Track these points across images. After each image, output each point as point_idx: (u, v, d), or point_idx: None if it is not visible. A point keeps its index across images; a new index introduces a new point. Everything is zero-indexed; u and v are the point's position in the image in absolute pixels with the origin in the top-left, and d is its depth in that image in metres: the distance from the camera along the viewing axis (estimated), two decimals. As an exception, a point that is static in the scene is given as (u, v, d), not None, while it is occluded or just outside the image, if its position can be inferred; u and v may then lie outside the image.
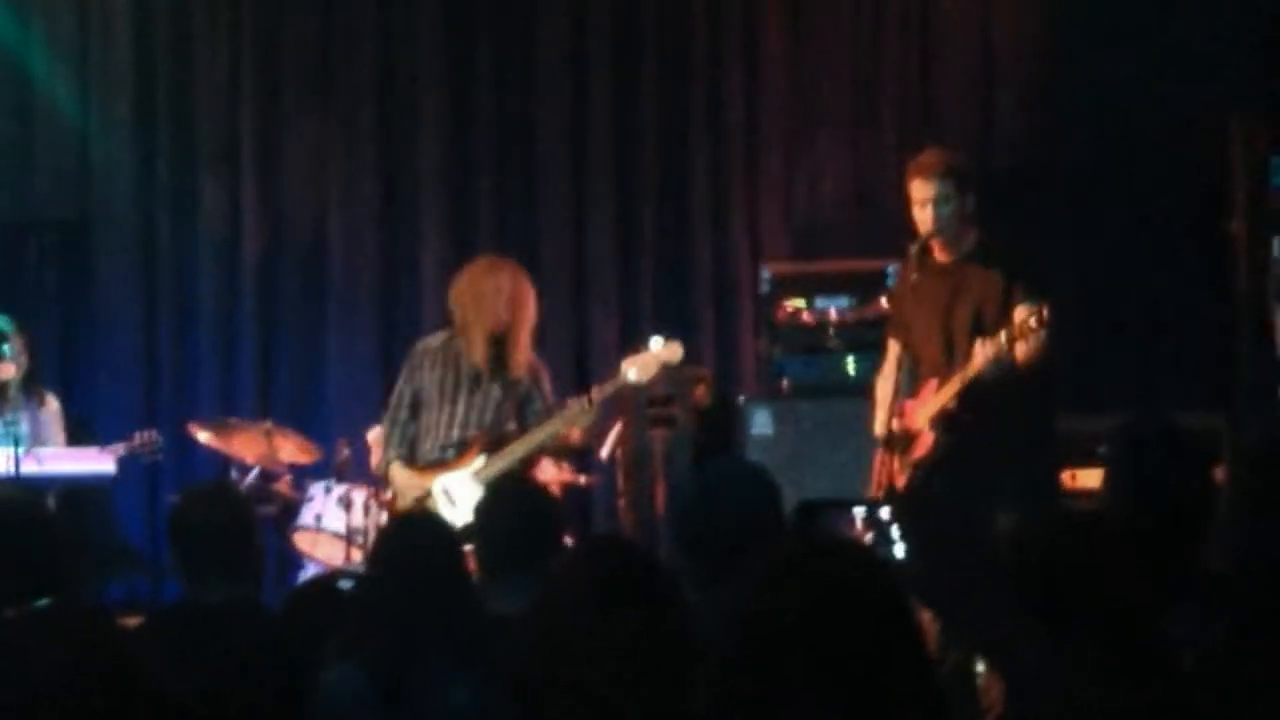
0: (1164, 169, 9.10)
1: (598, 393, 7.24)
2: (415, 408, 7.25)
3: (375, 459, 7.69)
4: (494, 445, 7.13)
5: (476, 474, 7.10)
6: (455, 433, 7.16)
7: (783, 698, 2.57)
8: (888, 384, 6.72)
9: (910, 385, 6.67)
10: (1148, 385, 8.94)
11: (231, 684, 4.37)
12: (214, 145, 10.11)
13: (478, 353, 7.14)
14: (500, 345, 7.13)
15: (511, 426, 7.16)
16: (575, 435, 7.41)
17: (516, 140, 9.96)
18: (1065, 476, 7.71)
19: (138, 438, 8.56)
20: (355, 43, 10.05)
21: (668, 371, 7.54)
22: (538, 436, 7.13)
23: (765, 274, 8.74)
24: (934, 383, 6.51)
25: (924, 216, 6.55)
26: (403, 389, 7.31)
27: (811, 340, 8.40)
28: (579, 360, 9.61)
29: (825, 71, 9.68)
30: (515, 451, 7.10)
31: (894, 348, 6.87)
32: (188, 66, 10.14)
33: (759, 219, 9.67)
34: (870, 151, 9.56)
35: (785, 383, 8.43)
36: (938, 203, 6.51)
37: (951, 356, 6.49)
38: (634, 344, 8.12)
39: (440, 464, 7.17)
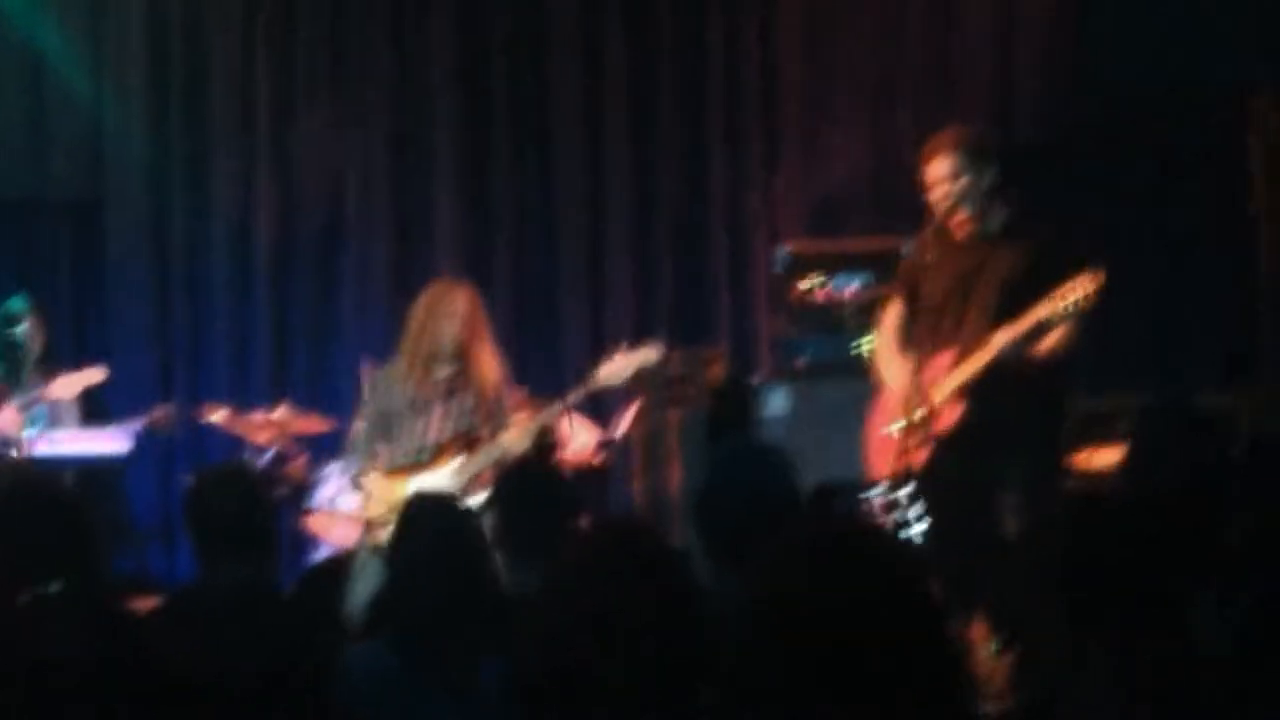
0: (1184, 144, 9.05)
1: (575, 393, 7.27)
2: (383, 426, 7.27)
3: None
4: (469, 447, 7.14)
5: (455, 473, 7.09)
6: (431, 437, 7.17)
7: (799, 682, 2.53)
8: (895, 357, 6.62)
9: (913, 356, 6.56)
10: (1166, 364, 8.88)
11: (247, 665, 4.36)
12: (227, 124, 10.09)
13: (437, 374, 7.17)
14: (461, 362, 7.17)
15: (485, 431, 7.17)
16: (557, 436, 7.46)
17: (531, 116, 9.94)
18: (1082, 456, 7.67)
19: (154, 411, 8.56)
20: (369, 18, 10.03)
21: (683, 352, 7.51)
22: (505, 443, 7.12)
23: (782, 252, 8.68)
24: (950, 354, 6.39)
25: (938, 196, 6.45)
26: (368, 410, 7.32)
27: (828, 319, 8.33)
28: (595, 335, 9.60)
29: (843, 48, 9.64)
30: (491, 453, 7.09)
31: (895, 314, 6.77)
32: (201, 45, 10.12)
33: (775, 197, 9.63)
34: (887, 129, 9.51)
35: (801, 362, 8.37)
36: (951, 178, 6.40)
37: (962, 329, 6.38)
38: (646, 323, 8.12)
39: (415, 466, 7.16)
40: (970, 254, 6.41)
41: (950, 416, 6.28)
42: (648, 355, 7.28)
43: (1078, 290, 6.06)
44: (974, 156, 6.42)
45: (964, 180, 6.39)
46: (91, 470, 8.47)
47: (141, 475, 9.38)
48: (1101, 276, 6.04)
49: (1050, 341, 6.18)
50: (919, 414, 6.30)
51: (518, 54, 9.95)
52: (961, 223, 6.44)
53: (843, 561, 2.61)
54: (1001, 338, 6.18)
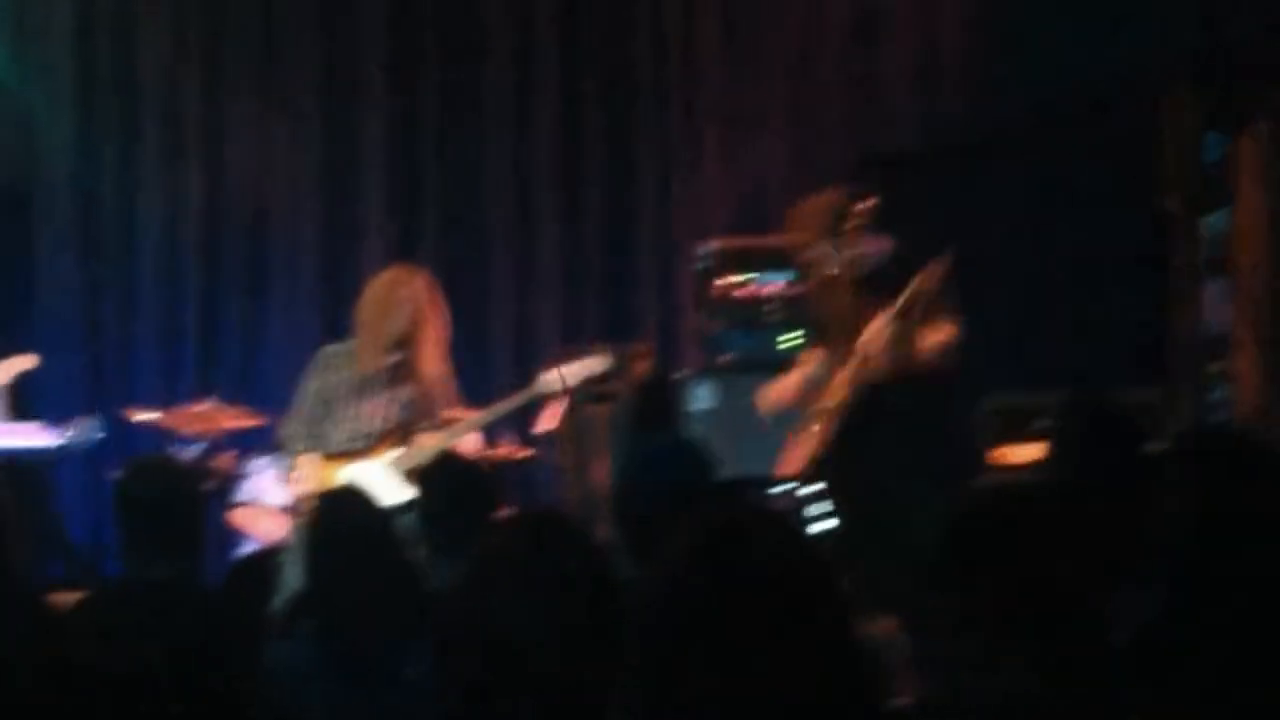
0: (1097, 143, 9.14)
1: (516, 398, 7.34)
2: (325, 405, 7.21)
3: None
4: (406, 440, 7.11)
5: (391, 464, 7.07)
6: (369, 425, 7.14)
7: (700, 671, 2.52)
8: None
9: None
10: (1079, 360, 8.98)
11: (172, 659, 4.38)
12: (156, 119, 10.08)
13: (382, 360, 7.12)
14: (406, 352, 7.13)
15: (424, 424, 7.15)
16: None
17: (460, 116, 9.99)
18: (998, 453, 7.78)
19: (76, 422, 8.55)
20: (299, 18, 10.04)
21: (611, 347, 7.57)
22: (446, 439, 7.13)
23: (706, 249, 8.77)
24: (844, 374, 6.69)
25: (803, 263, 6.92)
26: (311, 387, 7.23)
27: (751, 315, 8.43)
28: (521, 331, 9.67)
29: (767, 44, 9.72)
30: (428, 446, 7.06)
31: (813, 363, 7.02)
32: (130, 38, 10.09)
33: (700, 195, 9.71)
34: (810, 127, 9.60)
35: (725, 357, 8.46)
36: (814, 250, 6.83)
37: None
38: (575, 320, 8.16)
39: (351, 454, 7.13)
40: (845, 297, 6.74)
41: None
42: (596, 364, 7.31)
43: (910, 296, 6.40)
44: (833, 225, 6.72)
45: (825, 247, 6.65)
46: (19, 466, 8.45)
47: (70, 470, 9.36)
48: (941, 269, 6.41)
49: (929, 342, 6.50)
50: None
51: (448, 50, 10.00)
52: (831, 278, 6.71)
53: (740, 547, 2.59)
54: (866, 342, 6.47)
